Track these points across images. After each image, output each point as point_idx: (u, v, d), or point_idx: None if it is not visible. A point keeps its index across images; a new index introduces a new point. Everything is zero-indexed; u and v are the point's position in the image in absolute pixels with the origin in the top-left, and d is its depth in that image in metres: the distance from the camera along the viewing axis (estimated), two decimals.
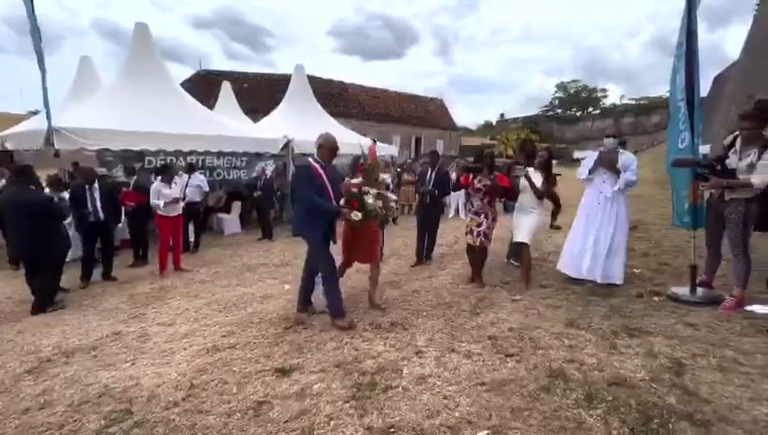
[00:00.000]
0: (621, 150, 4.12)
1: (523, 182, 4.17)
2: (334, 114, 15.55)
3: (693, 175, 3.63)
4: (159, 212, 5.46)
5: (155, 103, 7.65)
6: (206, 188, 7.33)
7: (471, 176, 4.35)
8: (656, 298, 3.70)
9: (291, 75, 12.52)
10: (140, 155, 7.07)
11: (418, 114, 35.11)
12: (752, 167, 3.22)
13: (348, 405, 2.24)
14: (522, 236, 4.13)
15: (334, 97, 26.07)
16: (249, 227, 8.91)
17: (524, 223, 4.15)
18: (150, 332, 3.51)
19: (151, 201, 5.51)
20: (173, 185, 5.71)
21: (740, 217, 3.31)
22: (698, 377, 2.37)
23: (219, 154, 8.14)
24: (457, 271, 4.98)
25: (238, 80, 21.64)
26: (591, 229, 4.07)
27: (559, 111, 67.11)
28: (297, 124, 10.07)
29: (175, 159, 7.32)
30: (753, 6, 16.31)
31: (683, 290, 3.66)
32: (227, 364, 2.79)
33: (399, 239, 7.37)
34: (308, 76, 12.89)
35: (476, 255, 4.39)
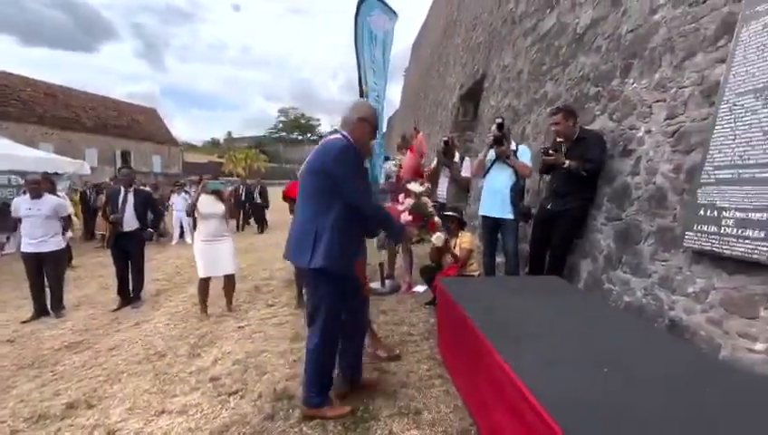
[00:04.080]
0: None
1: (213, 207, 3.94)
2: None
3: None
4: None
5: None
6: None
7: None
8: None
9: None
10: None
11: (124, 124, 29.16)
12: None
13: None
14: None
15: None
16: None
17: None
18: None
19: None
20: None
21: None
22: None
23: None
24: (176, 309, 4.29)
25: None
26: None
27: (283, 133, 72.34)
28: None
29: None
30: (402, 72, 23.24)
31: (377, 284, 4.56)
32: None
33: (95, 281, 5.71)
34: None
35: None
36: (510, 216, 3.63)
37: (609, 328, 2.07)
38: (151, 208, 4.68)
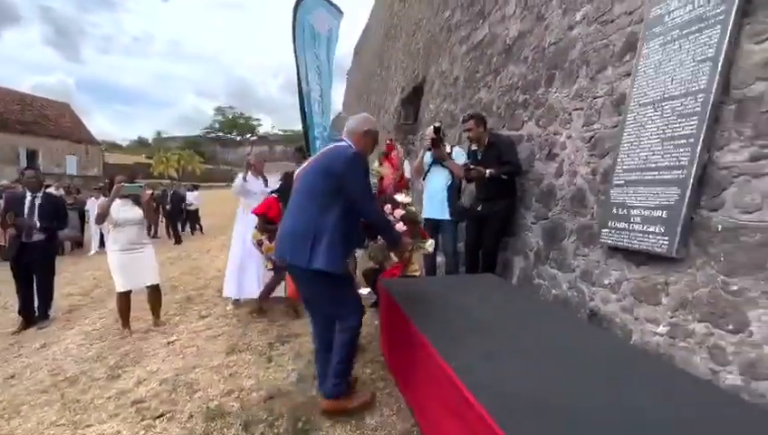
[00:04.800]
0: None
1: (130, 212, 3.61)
2: None
3: None
4: None
5: None
6: None
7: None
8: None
9: None
10: None
11: (29, 119, 25.79)
12: None
13: None
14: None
15: None
16: None
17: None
18: None
19: None
20: None
21: None
22: None
23: None
24: (92, 326, 3.84)
25: None
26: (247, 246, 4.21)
27: (220, 133, 68.61)
28: None
29: None
30: (345, 74, 23.20)
31: None
32: None
33: None
34: None
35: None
36: (447, 216, 3.75)
37: (540, 322, 2.19)
38: (56, 215, 4.12)
